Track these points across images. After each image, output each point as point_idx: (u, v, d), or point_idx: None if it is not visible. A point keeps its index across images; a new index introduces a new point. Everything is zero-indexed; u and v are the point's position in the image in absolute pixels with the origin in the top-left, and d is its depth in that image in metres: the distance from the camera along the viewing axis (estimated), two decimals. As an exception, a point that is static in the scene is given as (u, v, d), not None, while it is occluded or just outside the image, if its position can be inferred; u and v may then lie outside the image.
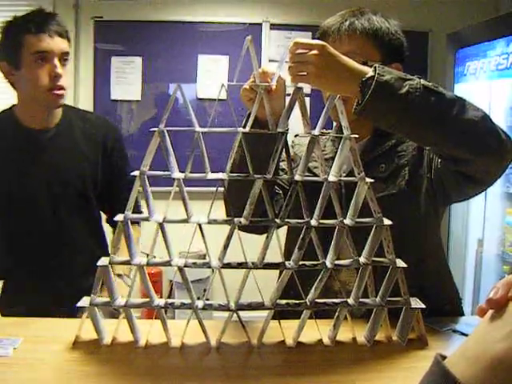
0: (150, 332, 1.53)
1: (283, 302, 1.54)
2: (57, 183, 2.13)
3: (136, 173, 1.47)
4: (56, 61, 2.01)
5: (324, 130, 1.76)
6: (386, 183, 1.74)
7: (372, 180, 1.50)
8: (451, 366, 0.62)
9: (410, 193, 1.75)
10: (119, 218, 1.49)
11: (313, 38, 1.59)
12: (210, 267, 1.49)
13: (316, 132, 1.49)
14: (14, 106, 2.19)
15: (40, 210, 2.13)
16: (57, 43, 2.01)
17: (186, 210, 1.50)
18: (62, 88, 2.05)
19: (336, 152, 1.62)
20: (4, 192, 2.11)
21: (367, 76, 1.41)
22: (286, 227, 1.67)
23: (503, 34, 3.66)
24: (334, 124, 1.94)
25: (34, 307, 1.82)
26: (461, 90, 4.18)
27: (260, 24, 4.91)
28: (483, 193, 3.98)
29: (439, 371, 0.62)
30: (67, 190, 2.15)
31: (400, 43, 1.82)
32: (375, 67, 1.42)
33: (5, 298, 2.18)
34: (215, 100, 1.50)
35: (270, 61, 4.82)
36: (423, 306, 1.56)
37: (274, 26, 4.87)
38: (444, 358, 0.64)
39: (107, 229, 2.28)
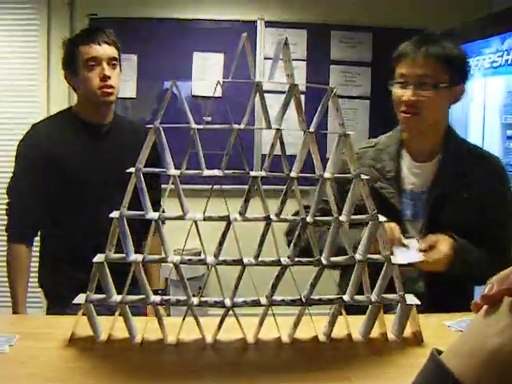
0: (145, 329, 1.53)
1: (279, 298, 1.54)
2: (108, 167, 2.45)
3: (131, 170, 1.47)
4: (104, 64, 2.39)
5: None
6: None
7: (367, 176, 1.51)
8: (447, 361, 0.62)
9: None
10: (114, 214, 1.49)
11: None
12: (205, 264, 1.49)
13: (312, 129, 1.49)
14: (71, 107, 2.62)
15: (93, 189, 2.43)
16: (104, 50, 2.40)
17: (182, 206, 1.50)
18: (110, 87, 2.41)
19: (397, 170, 1.93)
20: (64, 174, 2.41)
21: None
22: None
23: (498, 32, 3.66)
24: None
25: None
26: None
27: (255, 21, 4.90)
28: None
29: (435, 366, 0.63)
30: (116, 174, 2.34)
31: (468, 66, 2.03)
32: None
33: (50, 276, 2.48)
34: (210, 97, 1.50)
35: (265, 58, 4.82)
36: (418, 303, 1.56)
37: (268, 24, 4.88)
38: (440, 352, 0.65)
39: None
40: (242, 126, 1.48)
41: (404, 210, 2.02)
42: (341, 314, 1.56)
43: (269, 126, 1.49)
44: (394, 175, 2.03)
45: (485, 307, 0.66)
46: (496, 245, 2.02)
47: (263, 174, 1.48)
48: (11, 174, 2.49)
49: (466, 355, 0.61)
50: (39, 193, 2.43)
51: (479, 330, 0.64)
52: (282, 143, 1.50)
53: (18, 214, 2.45)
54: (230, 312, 1.51)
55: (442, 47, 1.96)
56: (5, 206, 2.46)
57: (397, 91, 2.01)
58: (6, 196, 2.47)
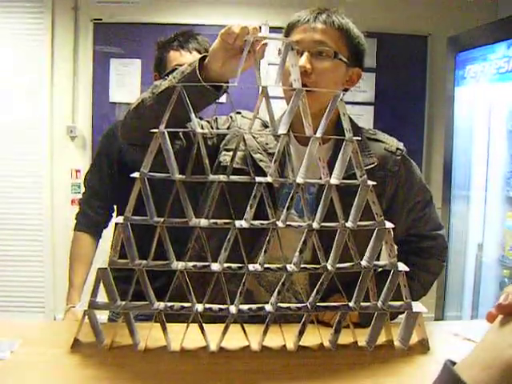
0: (149, 335, 1.51)
1: (284, 305, 1.53)
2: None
3: (136, 174, 1.45)
4: None
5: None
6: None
7: (374, 182, 1.49)
8: (462, 372, 0.60)
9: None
10: (119, 220, 1.47)
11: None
12: (210, 270, 1.48)
13: (318, 134, 1.48)
14: None
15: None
16: (194, 59, 2.16)
17: (186, 212, 1.48)
18: None
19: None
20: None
21: None
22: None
23: (504, 38, 3.65)
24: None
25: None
26: (461, 93, 4.17)
27: (259, 27, 4.87)
28: (483, 197, 3.97)
29: (450, 378, 0.61)
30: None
31: (364, 50, 1.84)
32: None
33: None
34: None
35: (269, 64, 4.80)
36: (425, 310, 1.55)
37: (273, 29, 4.86)
38: (453, 363, 0.63)
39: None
40: (247, 132, 1.47)
41: (284, 203, 1.60)
42: (348, 326, 1.55)
43: (275, 132, 1.48)
44: (275, 152, 1.59)
45: (500, 317, 0.65)
46: (420, 246, 1.96)
47: (269, 179, 1.47)
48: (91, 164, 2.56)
49: (482, 366, 0.60)
50: (110, 192, 2.45)
51: (495, 340, 0.62)
52: (288, 149, 1.49)
53: (86, 204, 2.48)
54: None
55: (344, 20, 1.77)
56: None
57: (287, 66, 1.63)
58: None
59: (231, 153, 1.71)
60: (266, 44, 1.54)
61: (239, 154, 1.72)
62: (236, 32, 1.49)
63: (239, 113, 1.92)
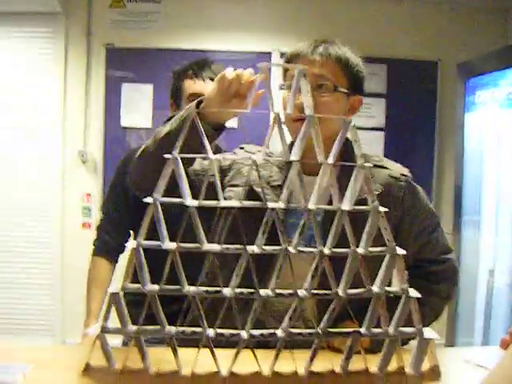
0: (160, 360, 1.51)
1: (296, 331, 1.53)
2: None
3: (149, 200, 1.46)
4: None
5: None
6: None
7: (386, 209, 1.50)
8: None
9: None
10: (132, 244, 1.48)
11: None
12: (222, 296, 1.48)
13: (330, 161, 1.49)
14: None
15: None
16: (208, 87, 2.11)
17: (199, 237, 1.49)
18: None
19: (284, 179, 1.68)
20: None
21: None
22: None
23: (515, 64, 3.67)
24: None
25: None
26: (471, 119, 4.18)
27: (269, 53, 4.92)
28: (494, 222, 3.96)
29: None
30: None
31: (363, 77, 1.88)
32: None
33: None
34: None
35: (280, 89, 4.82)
36: (437, 336, 1.54)
37: (283, 55, 4.88)
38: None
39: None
40: (260, 157, 1.48)
41: (290, 233, 1.65)
42: (359, 352, 1.54)
43: (287, 158, 1.49)
44: (280, 184, 1.76)
45: None
46: (427, 273, 1.95)
47: (282, 205, 1.48)
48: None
49: None
50: (125, 217, 2.50)
51: (510, 368, 0.62)
52: (301, 176, 1.49)
53: (102, 230, 2.54)
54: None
55: (342, 50, 1.82)
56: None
57: (286, 96, 1.80)
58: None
59: (235, 189, 1.75)
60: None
61: (243, 189, 1.72)
62: (229, 79, 1.59)
63: (242, 148, 1.95)
